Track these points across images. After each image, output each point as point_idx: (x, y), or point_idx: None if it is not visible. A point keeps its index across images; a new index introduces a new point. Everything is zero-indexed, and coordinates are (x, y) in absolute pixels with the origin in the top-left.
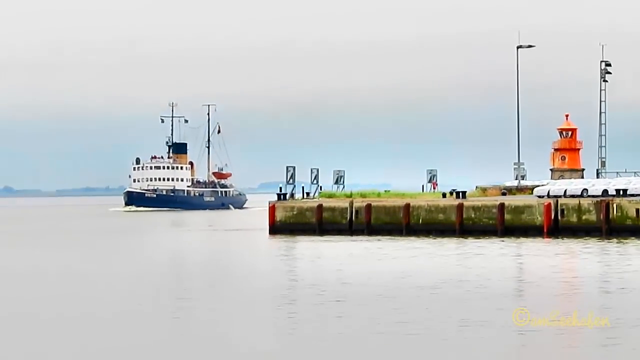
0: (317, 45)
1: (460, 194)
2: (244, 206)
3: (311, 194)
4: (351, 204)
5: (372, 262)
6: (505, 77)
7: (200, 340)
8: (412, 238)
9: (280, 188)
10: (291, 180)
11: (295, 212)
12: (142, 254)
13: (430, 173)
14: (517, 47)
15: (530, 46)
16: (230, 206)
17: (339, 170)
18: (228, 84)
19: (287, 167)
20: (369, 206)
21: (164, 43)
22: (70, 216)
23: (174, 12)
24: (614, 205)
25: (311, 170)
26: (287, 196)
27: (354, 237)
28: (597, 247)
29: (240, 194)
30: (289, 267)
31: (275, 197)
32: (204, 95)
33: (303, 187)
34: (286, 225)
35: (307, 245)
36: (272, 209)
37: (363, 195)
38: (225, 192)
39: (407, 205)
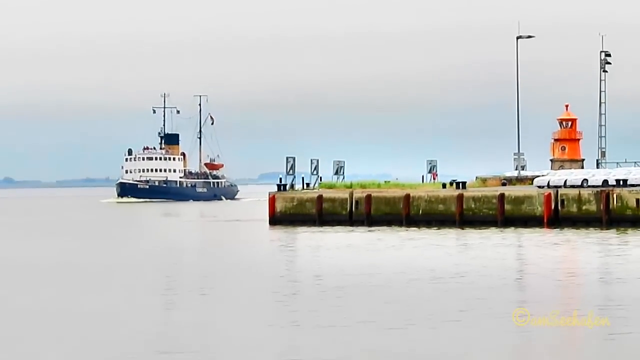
0: (316, 35)
1: (460, 184)
2: (236, 197)
3: (311, 185)
4: (351, 194)
5: (370, 254)
6: (505, 68)
7: (198, 329)
8: (412, 229)
9: (280, 179)
10: (291, 171)
11: (295, 203)
12: (145, 245)
13: (430, 164)
14: (517, 38)
15: (530, 37)
16: (223, 197)
17: (339, 161)
18: (227, 74)
19: (287, 158)
20: (369, 197)
21: (164, 34)
22: (63, 208)
23: (169, 3)
24: (614, 196)
25: (311, 161)
26: (287, 187)
27: (354, 228)
28: (598, 237)
29: (232, 185)
30: (291, 257)
31: (275, 188)
32: (203, 86)
33: (303, 178)
34: (286, 216)
35: (308, 236)
36: (272, 200)
37: (363, 186)
38: (217, 183)
39: (407, 196)
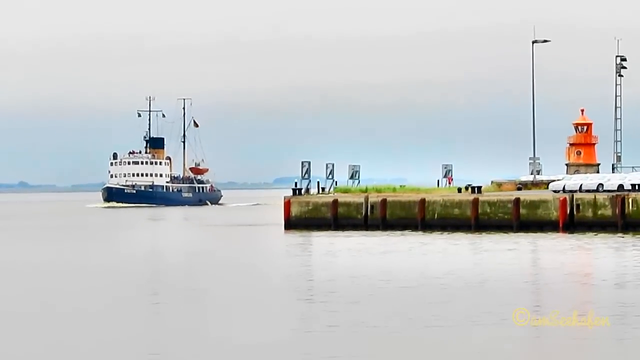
0: (333, 39)
1: (476, 188)
2: (219, 202)
3: (326, 189)
4: (366, 199)
5: (384, 258)
6: (520, 72)
7: (208, 334)
8: (428, 233)
9: (296, 183)
10: (306, 176)
11: (310, 207)
12: (164, 250)
13: (445, 168)
14: (533, 42)
15: (545, 41)
16: (208, 202)
17: (354, 165)
18: (239, 79)
19: (302, 163)
20: (384, 201)
21: (190, 36)
22: (66, 213)
23: (168, 7)
24: (630, 200)
25: (326, 165)
26: (303, 191)
27: (369, 232)
28: (612, 242)
29: (216, 190)
30: (307, 261)
31: (291, 192)
32: (212, 90)
33: (318, 182)
34: (301, 220)
35: (324, 241)
36: (287, 204)
37: (378, 190)
38: (202, 188)
39: (423, 200)
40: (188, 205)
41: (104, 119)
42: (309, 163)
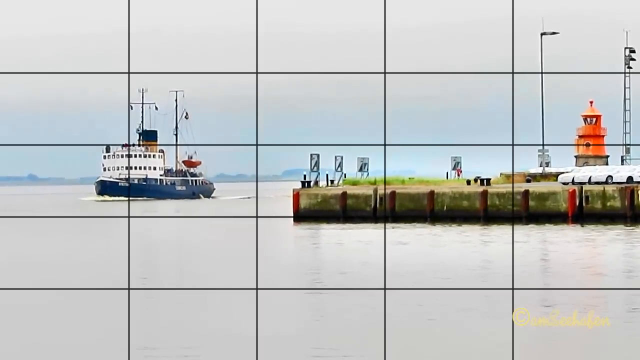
0: (340, 30)
1: (485, 180)
2: (212, 195)
3: (335, 181)
4: (375, 191)
5: (392, 250)
6: (529, 64)
7: (213, 323)
8: (436, 225)
9: (305, 175)
10: (315, 168)
11: (319, 200)
12: (174, 240)
13: (454, 160)
14: (541, 34)
15: (554, 33)
16: (201, 195)
17: (363, 158)
18: (244, 70)
19: (311, 155)
20: (393, 193)
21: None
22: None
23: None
24: (639, 192)
25: (335, 157)
26: (312, 183)
27: (378, 224)
28: (621, 234)
29: (209, 183)
30: (317, 253)
31: (300, 185)
32: (217, 82)
33: (327, 175)
34: (310, 212)
35: (333, 233)
36: (296, 196)
37: (387, 182)
38: (195, 181)
39: (431, 192)
40: (182, 198)
41: (104, 111)
42: (318, 155)
